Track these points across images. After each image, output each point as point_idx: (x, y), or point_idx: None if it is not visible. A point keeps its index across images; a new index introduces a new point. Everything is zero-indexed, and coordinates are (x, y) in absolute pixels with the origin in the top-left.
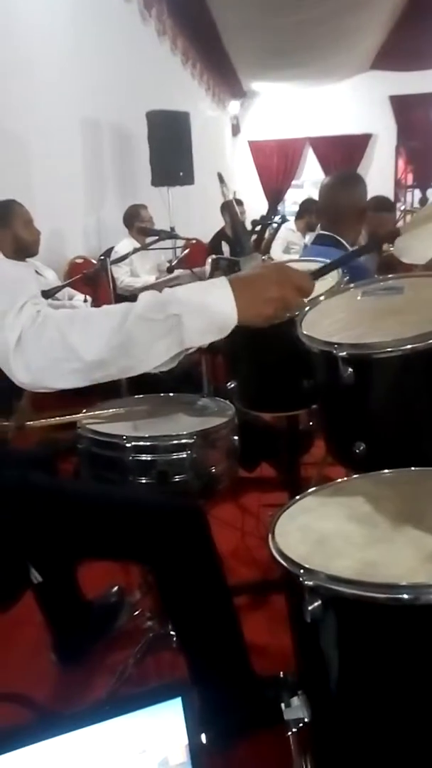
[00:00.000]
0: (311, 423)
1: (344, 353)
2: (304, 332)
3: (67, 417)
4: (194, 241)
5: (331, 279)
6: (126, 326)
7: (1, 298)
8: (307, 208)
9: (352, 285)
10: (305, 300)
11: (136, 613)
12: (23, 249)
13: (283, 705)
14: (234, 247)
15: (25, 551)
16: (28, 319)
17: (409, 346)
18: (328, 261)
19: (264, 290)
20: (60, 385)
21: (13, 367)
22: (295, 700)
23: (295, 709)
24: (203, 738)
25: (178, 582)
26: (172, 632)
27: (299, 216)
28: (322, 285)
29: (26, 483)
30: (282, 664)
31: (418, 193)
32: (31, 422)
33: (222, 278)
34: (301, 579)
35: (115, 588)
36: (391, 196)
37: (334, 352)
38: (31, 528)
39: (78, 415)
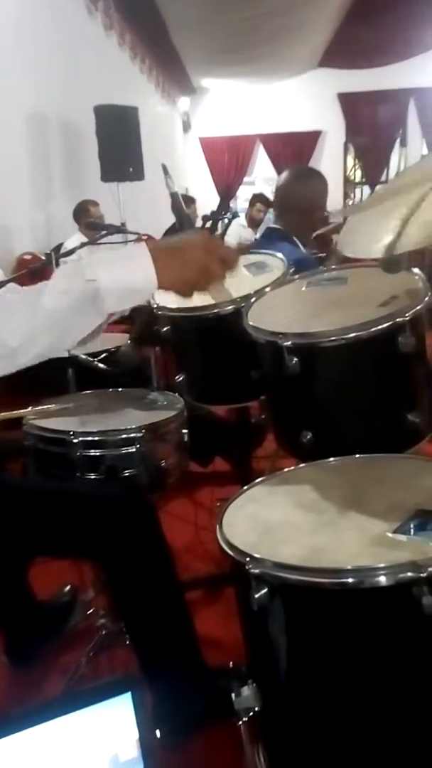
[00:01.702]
0: (263, 416)
1: (289, 343)
2: (250, 323)
3: (14, 413)
4: (146, 237)
5: (276, 270)
6: (45, 304)
7: None
8: (251, 202)
9: (296, 276)
10: (230, 272)
11: (90, 611)
12: None
13: (233, 695)
14: None
15: None
16: None
17: (352, 335)
18: (276, 254)
19: (185, 255)
20: None
21: None
22: (245, 690)
23: (246, 699)
24: (157, 734)
25: (126, 575)
26: (125, 629)
27: (246, 211)
28: (267, 277)
29: None
30: (235, 656)
31: (367, 189)
32: None
33: (141, 244)
34: (247, 567)
35: (68, 587)
36: (341, 193)
37: (280, 341)
38: None
39: (24, 410)
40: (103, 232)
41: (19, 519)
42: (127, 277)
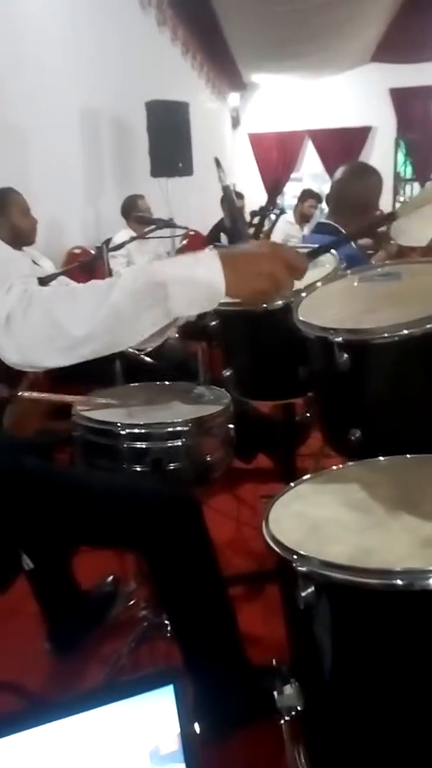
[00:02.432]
0: (308, 414)
1: (340, 339)
2: (301, 318)
3: (62, 396)
4: (192, 232)
5: (328, 266)
6: (112, 298)
7: None
8: (302, 198)
9: (349, 272)
10: (297, 281)
11: (131, 602)
12: (20, 237)
13: (275, 693)
14: (231, 235)
15: (16, 537)
16: (15, 298)
17: (405, 332)
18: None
19: (255, 265)
20: (49, 364)
21: (2, 347)
22: (288, 689)
23: (288, 698)
24: (197, 728)
25: (171, 569)
26: (166, 621)
27: (295, 207)
28: (318, 272)
29: (21, 468)
30: (277, 654)
31: (417, 186)
32: (24, 393)
33: (212, 250)
34: (294, 565)
35: (110, 577)
36: (391, 189)
37: (330, 338)
38: (23, 513)
39: (73, 397)
40: (152, 227)
41: (66, 507)
42: (196, 281)
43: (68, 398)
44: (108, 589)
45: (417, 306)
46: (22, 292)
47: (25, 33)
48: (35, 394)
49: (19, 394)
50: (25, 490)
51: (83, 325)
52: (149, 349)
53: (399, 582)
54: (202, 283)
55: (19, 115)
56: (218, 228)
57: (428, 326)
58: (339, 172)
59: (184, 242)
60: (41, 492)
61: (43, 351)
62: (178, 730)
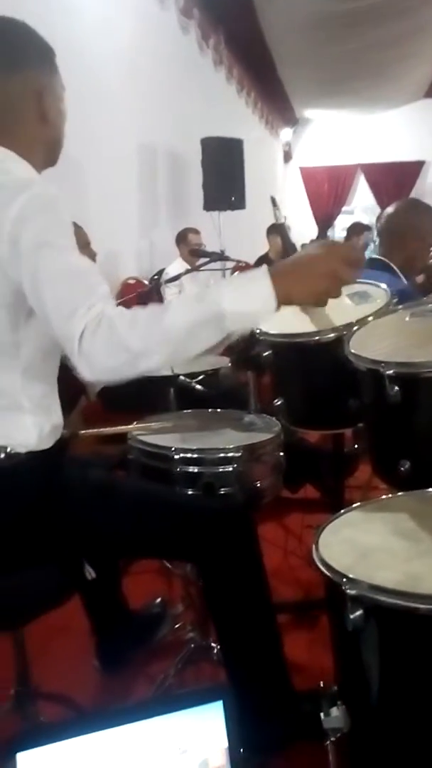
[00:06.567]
0: (356, 446)
1: (391, 372)
2: (352, 351)
3: (118, 428)
4: (243, 264)
5: (380, 300)
6: (168, 317)
7: (79, 291)
8: (353, 231)
9: (400, 306)
10: (355, 273)
11: (178, 625)
12: None
13: (322, 714)
14: None
15: (81, 547)
16: (92, 316)
17: None
18: (380, 284)
19: (312, 268)
20: (115, 378)
21: (77, 362)
22: (335, 710)
23: (334, 719)
24: (240, 750)
25: (223, 581)
26: (213, 644)
27: (346, 239)
28: (370, 306)
29: (86, 480)
30: (321, 681)
31: None
32: (84, 431)
33: (263, 267)
34: (343, 588)
35: (158, 599)
36: None
37: (381, 370)
38: (87, 523)
39: (128, 427)
40: (206, 259)
41: (129, 517)
42: (247, 299)
43: (124, 428)
44: (156, 611)
45: None
46: (98, 312)
47: (88, 68)
48: (94, 431)
49: (80, 432)
50: (90, 501)
51: (141, 341)
52: (200, 377)
53: None
54: (252, 301)
55: (80, 151)
56: (263, 261)
57: None
58: (391, 208)
59: (236, 274)
60: (104, 503)
61: (108, 366)
62: (226, 745)
